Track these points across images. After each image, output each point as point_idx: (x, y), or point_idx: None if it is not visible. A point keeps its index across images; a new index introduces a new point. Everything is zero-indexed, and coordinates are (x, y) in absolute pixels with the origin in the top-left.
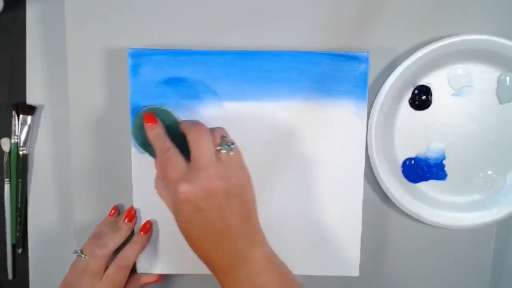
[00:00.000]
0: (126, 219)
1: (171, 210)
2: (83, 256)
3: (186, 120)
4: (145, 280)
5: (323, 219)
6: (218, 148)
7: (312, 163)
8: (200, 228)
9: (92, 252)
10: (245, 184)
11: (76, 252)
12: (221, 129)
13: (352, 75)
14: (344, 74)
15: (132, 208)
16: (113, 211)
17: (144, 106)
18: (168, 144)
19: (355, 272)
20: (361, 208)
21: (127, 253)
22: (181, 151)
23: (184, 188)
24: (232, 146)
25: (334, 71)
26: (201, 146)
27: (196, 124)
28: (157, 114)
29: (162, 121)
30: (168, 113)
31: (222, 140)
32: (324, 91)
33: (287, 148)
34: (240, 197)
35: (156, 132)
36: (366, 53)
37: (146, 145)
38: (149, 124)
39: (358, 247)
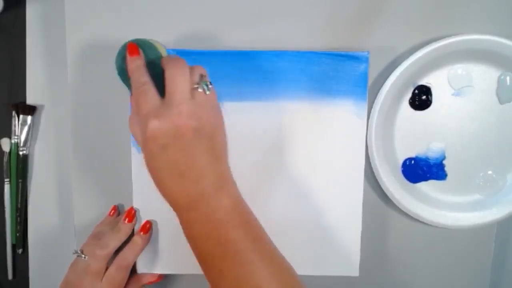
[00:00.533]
0: (126, 220)
1: (141, 147)
2: (83, 256)
3: (168, 56)
4: (145, 280)
5: (323, 219)
6: (195, 86)
7: (312, 163)
8: (165, 167)
9: (93, 252)
10: (217, 126)
11: (76, 252)
12: (200, 67)
13: (352, 75)
14: (344, 74)
15: (132, 208)
16: (112, 211)
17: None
18: (145, 78)
19: (355, 272)
20: (361, 208)
21: (127, 253)
22: (160, 88)
23: (153, 124)
24: (210, 86)
25: (334, 71)
26: (176, 82)
27: (176, 59)
28: (141, 47)
29: (146, 55)
30: (152, 47)
31: (200, 78)
32: (324, 91)
33: (287, 148)
34: (211, 138)
35: (136, 65)
36: (366, 53)
37: (124, 76)
38: (130, 55)
39: (358, 247)
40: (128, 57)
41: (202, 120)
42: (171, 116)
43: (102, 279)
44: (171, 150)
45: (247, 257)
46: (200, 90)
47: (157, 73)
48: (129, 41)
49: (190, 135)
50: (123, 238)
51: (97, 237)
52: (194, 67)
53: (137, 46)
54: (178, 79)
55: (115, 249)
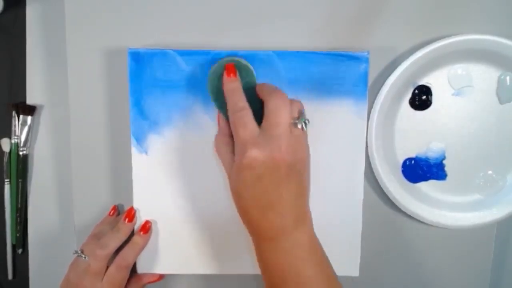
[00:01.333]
0: (126, 219)
1: (227, 169)
2: (83, 256)
3: (265, 84)
4: (146, 280)
5: (323, 219)
6: (295, 121)
7: (312, 163)
8: (256, 196)
9: (93, 252)
10: (306, 163)
11: (76, 252)
12: (298, 102)
13: (352, 75)
14: (344, 74)
15: (132, 208)
16: (112, 211)
17: (228, 56)
18: (243, 103)
19: (355, 272)
20: (361, 208)
21: (127, 253)
22: (254, 114)
23: (253, 153)
24: (307, 123)
25: (334, 71)
26: (280, 115)
27: (278, 91)
28: (238, 68)
29: (241, 77)
30: (249, 71)
31: (299, 114)
32: (324, 91)
33: None
34: (300, 174)
35: (234, 86)
36: (366, 53)
37: (217, 95)
38: (229, 76)
39: (358, 247)
40: (226, 77)
41: (296, 156)
42: (271, 149)
43: (102, 279)
44: (265, 182)
45: None
46: (299, 126)
47: (252, 98)
48: (226, 60)
49: (284, 169)
50: (123, 238)
51: (97, 236)
52: (293, 101)
53: (234, 66)
54: (282, 111)
55: (115, 249)
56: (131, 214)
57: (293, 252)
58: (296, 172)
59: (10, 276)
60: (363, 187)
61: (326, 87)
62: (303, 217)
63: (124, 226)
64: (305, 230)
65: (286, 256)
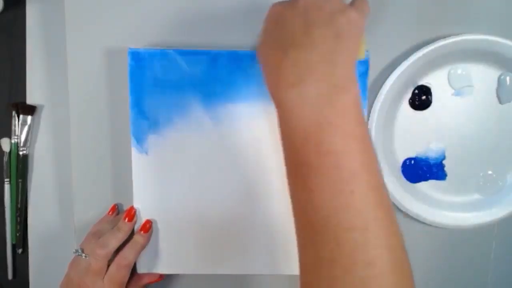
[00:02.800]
0: (126, 219)
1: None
2: (83, 255)
3: None
4: (146, 280)
5: None
6: None
7: None
8: (280, 33)
9: (93, 252)
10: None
11: (77, 251)
12: None
13: None
14: None
15: (132, 207)
16: (111, 211)
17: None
18: None
19: None
20: None
21: (128, 253)
22: None
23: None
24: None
25: None
26: None
27: None
28: None
29: None
30: None
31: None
32: None
33: None
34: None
35: None
36: (366, 53)
37: None
38: None
39: None
40: None
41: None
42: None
43: (104, 278)
44: (292, 15)
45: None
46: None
47: None
48: None
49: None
50: (123, 237)
51: (96, 235)
52: None
53: None
54: None
55: (115, 248)
56: (131, 214)
57: (325, 100)
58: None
59: (10, 276)
60: None
61: None
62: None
63: (124, 225)
64: (352, 87)
65: (313, 103)
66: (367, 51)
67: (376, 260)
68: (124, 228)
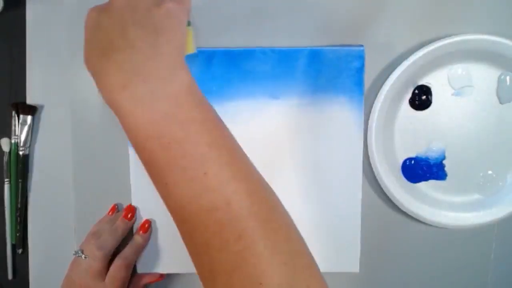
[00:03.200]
0: (123, 217)
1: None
2: (83, 256)
3: None
4: (146, 279)
5: (322, 216)
6: None
7: (309, 160)
8: (99, 39)
9: (92, 253)
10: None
11: (77, 253)
12: None
13: (348, 71)
14: (340, 69)
15: (130, 205)
16: (111, 211)
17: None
18: None
19: (356, 268)
20: (360, 204)
21: (128, 253)
22: None
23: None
24: None
25: (329, 67)
26: None
27: None
28: None
29: None
30: None
31: None
32: (319, 87)
33: (285, 146)
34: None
35: None
36: (361, 48)
37: None
38: None
39: (358, 243)
40: None
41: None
42: None
43: (105, 279)
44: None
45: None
46: None
47: None
48: None
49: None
50: (120, 236)
51: (95, 235)
52: None
53: None
54: None
55: (114, 248)
56: (128, 212)
57: (157, 97)
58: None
59: (10, 276)
60: (363, 187)
61: (321, 83)
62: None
63: (122, 224)
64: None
65: (146, 101)
66: (362, 45)
67: (245, 232)
68: (121, 227)
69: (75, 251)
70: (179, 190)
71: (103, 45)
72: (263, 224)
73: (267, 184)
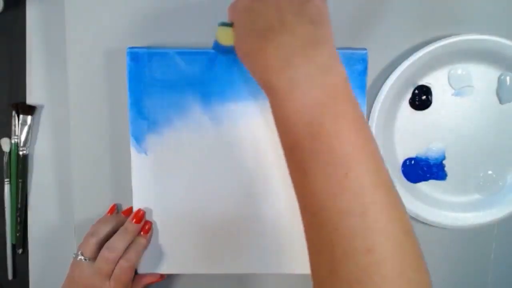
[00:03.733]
0: (134, 220)
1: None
2: (83, 258)
3: None
4: (147, 280)
5: None
6: None
7: None
8: (255, 23)
9: (102, 255)
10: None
11: (77, 255)
12: None
13: (351, 73)
14: None
15: (140, 210)
16: (110, 212)
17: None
18: None
19: None
20: None
21: (131, 254)
22: None
23: None
24: None
25: None
26: None
27: None
28: None
29: None
30: None
31: None
32: None
33: None
34: None
35: None
36: (364, 51)
37: None
38: None
39: None
40: None
41: None
42: None
43: (110, 279)
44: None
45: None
46: None
47: None
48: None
49: None
50: (130, 239)
51: (94, 236)
52: None
53: None
54: None
55: (124, 250)
56: (139, 215)
57: (316, 77)
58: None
59: (10, 276)
60: None
61: None
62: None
63: (132, 227)
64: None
65: (306, 82)
66: (365, 49)
67: (375, 247)
68: (132, 230)
69: (75, 254)
70: (317, 183)
71: (260, 28)
72: (395, 244)
73: (401, 198)
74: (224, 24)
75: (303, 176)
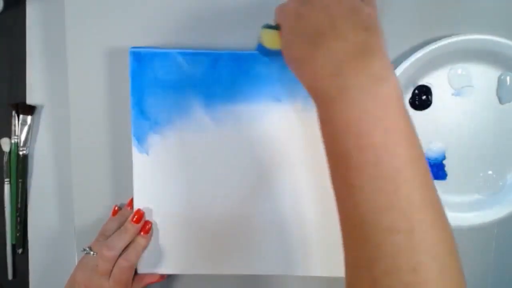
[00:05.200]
0: (135, 219)
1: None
2: (92, 253)
3: None
4: (147, 280)
5: (327, 220)
6: None
7: (314, 164)
8: (304, 28)
9: (100, 253)
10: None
11: (84, 250)
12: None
13: None
14: None
15: (139, 209)
16: (114, 214)
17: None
18: None
19: None
20: None
21: (131, 254)
22: None
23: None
24: None
25: None
26: None
27: None
28: None
29: None
30: None
31: None
32: None
33: (290, 149)
34: None
35: None
36: None
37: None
38: None
39: None
40: None
41: None
42: None
43: (109, 279)
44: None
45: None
46: None
47: None
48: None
49: None
50: (129, 239)
51: (104, 235)
52: None
53: None
54: None
55: (122, 249)
56: (139, 215)
57: (368, 88)
58: None
59: (10, 276)
60: None
61: None
62: (374, 48)
63: (131, 227)
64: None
65: (356, 96)
66: None
67: (420, 266)
68: (132, 229)
69: (83, 249)
70: (362, 196)
71: (310, 33)
72: (440, 265)
73: (447, 217)
74: (269, 27)
75: (348, 188)
